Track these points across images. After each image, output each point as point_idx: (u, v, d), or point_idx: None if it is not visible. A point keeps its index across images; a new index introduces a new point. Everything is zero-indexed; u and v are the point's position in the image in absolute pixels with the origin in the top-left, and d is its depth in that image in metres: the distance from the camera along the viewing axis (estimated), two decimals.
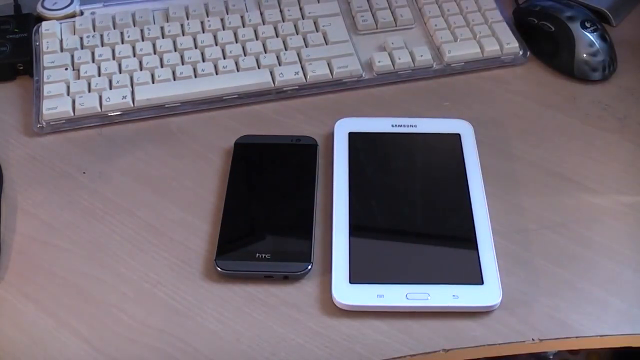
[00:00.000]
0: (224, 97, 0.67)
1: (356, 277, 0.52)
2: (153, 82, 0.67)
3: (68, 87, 0.66)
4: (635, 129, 0.65)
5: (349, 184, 0.58)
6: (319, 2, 0.74)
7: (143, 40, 0.70)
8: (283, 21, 0.72)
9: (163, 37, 0.71)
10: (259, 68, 0.68)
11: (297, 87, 0.68)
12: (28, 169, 0.62)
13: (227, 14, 0.73)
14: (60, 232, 0.57)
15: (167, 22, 0.72)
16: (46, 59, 0.69)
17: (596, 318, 0.51)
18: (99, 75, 0.67)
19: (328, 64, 0.68)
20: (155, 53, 0.69)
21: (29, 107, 0.67)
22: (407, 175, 0.59)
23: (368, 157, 0.60)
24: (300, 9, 0.73)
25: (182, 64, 0.68)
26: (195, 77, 0.67)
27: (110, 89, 0.66)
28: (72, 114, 0.65)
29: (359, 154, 0.60)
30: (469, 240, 0.54)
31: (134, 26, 0.71)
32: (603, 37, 0.68)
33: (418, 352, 0.49)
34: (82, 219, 0.58)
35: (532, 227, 0.57)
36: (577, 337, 0.50)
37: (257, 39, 0.70)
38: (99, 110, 0.65)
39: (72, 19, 0.72)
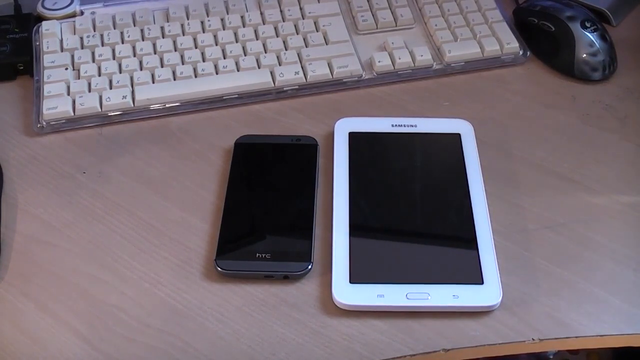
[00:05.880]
0: (224, 97, 0.67)
1: (356, 277, 0.52)
2: (153, 82, 0.67)
3: (68, 87, 0.66)
4: (635, 129, 0.64)
5: (349, 184, 0.58)
6: (319, 2, 0.74)
7: (143, 40, 0.70)
8: (283, 21, 0.72)
9: (163, 37, 0.71)
10: (259, 68, 0.68)
11: (297, 87, 0.68)
12: (28, 169, 0.62)
13: (227, 14, 0.73)
14: (60, 232, 0.57)
15: (167, 22, 0.72)
16: (46, 59, 0.69)
17: (596, 318, 0.51)
18: (99, 75, 0.67)
19: (328, 64, 0.68)
20: (155, 53, 0.69)
21: (29, 107, 0.67)
22: (407, 175, 0.59)
23: (368, 157, 0.60)
24: (301, 8, 0.73)
25: (182, 64, 0.68)
26: (196, 77, 0.67)
27: (111, 88, 0.66)
28: (72, 114, 0.65)
29: (359, 154, 0.60)
30: (469, 240, 0.54)
31: (134, 26, 0.71)
32: (603, 37, 0.68)
33: (418, 352, 0.49)
34: (82, 219, 0.58)
35: (532, 227, 0.57)
36: (577, 337, 0.50)
37: (257, 39, 0.70)
38: (99, 110, 0.65)
39: (72, 19, 0.72)
